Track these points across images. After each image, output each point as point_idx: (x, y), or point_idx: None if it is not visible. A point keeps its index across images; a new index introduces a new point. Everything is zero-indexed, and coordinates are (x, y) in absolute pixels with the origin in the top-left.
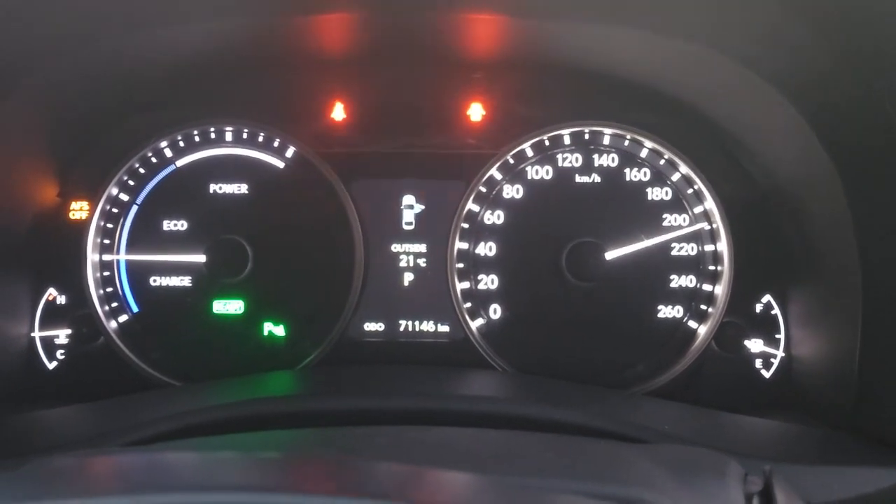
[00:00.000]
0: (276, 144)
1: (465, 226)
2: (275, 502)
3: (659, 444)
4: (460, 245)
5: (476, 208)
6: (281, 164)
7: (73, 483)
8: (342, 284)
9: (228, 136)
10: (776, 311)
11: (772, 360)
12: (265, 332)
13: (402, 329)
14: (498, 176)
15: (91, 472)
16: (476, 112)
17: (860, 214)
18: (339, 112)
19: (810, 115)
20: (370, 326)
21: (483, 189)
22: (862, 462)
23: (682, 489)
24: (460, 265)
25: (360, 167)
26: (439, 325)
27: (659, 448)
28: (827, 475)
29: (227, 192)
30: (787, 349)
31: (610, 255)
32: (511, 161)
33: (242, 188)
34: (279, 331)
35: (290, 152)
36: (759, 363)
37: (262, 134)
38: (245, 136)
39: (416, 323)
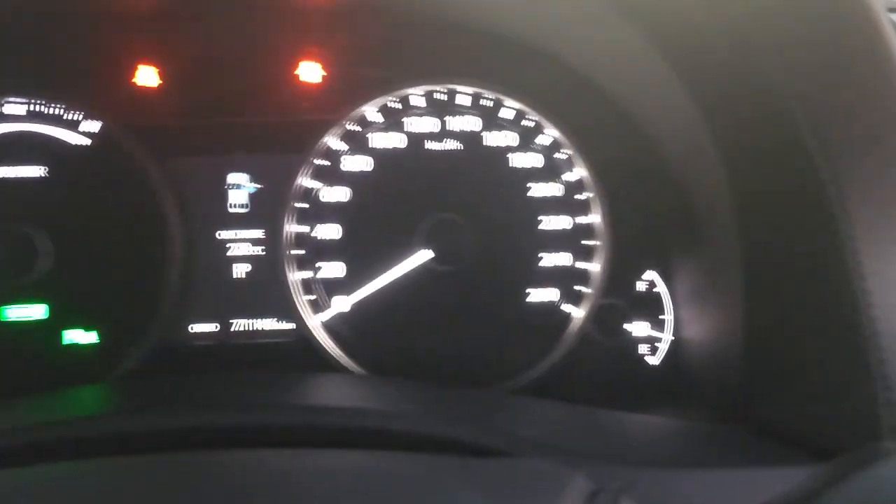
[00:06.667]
0: (74, 118)
1: (303, 205)
2: None
3: (496, 458)
4: (297, 228)
5: (314, 185)
6: (82, 142)
7: None
8: (159, 280)
9: (17, 110)
10: (660, 289)
11: (657, 344)
12: (73, 340)
13: (235, 329)
14: (338, 146)
15: None
16: (311, 72)
17: (738, 188)
18: (149, 77)
19: (694, 87)
20: (198, 328)
21: (321, 162)
22: (742, 464)
23: None
24: (299, 251)
25: (177, 142)
26: (281, 323)
27: (489, 463)
28: (703, 479)
29: (17, 176)
30: (675, 332)
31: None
32: (353, 128)
33: (37, 171)
34: (90, 337)
35: (92, 127)
36: (644, 349)
37: (56, 106)
38: (37, 109)
39: (253, 321)
